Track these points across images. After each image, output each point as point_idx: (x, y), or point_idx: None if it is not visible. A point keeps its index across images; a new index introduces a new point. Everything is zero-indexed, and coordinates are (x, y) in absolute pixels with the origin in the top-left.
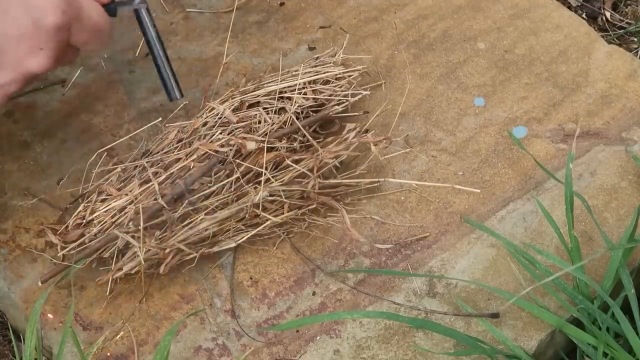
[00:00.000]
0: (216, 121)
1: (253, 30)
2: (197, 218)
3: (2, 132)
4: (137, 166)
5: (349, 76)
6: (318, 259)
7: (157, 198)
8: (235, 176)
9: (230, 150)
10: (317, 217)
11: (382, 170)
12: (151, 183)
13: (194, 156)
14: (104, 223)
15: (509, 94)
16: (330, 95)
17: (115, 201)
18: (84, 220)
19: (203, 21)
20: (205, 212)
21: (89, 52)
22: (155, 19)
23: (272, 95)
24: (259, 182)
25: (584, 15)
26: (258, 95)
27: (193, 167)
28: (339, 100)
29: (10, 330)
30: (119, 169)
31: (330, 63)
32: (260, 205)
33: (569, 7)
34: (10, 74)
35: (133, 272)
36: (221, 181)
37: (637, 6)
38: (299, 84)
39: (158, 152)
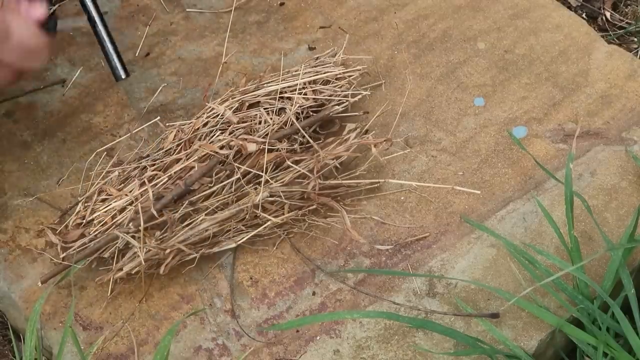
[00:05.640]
0: (217, 121)
1: (253, 30)
2: (197, 218)
3: (2, 132)
4: (137, 166)
5: (349, 76)
6: (318, 259)
7: (155, 200)
8: (235, 177)
9: (231, 151)
10: (317, 218)
11: (382, 171)
12: (151, 184)
13: (195, 157)
14: (104, 223)
15: (509, 94)
16: (331, 96)
17: (116, 201)
18: (84, 220)
19: (203, 21)
20: (206, 212)
21: (27, 70)
22: (155, 19)
23: (272, 95)
24: (260, 183)
25: (584, 15)
26: (258, 96)
27: (193, 167)
28: (339, 100)
29: (10, 330)
30: (119, 169)
31: (331, 63)
32: (261, 206)
33: (569, 7)
34: None
35: (133, 272)
36: (221, 182)
37: (637, 6)
38: (299, 84)
39: (158, 152)
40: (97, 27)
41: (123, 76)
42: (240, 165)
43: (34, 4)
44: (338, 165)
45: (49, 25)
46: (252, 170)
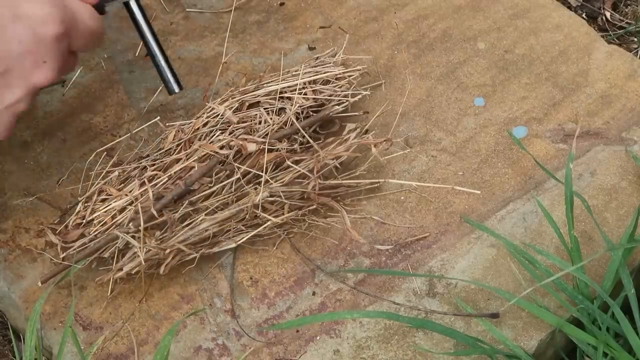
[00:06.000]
0: (217, 121)
1: (253, 30)
2: (197, 218)
3: None
4: (137, 166)
5: (349, 76)
6: (318, 259)
7: (156, 200)
8: (235, 177)
9: (231, 151)
10: (317, 218)
11: (382, 171)
12: (151, 184)
13: (195, 157)
14: (104, 223)
15: (509, 94)
16: (331, 96)
17: (115, 201)
18: (84, 220)
19: (203, 21)
20: (206, 212)
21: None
22: (155, 18)
23: (272, 95)
24: (260, 183)
25: (584, 15)
26: (258, 96)
27: (193, 167)
28: (339, 100)
29: (10, 330)
30: (119, 169)
31: (330, 63)
32: (260, 206)
33: (569, 7)
34: (18, 91)
35: (133, 272)
36: (221, 182)
37: (637, 6)
38: (299, 84)
39: (158, 152)
40: (149, 41)
41: (176, 90)
42: (240, 165)
43: None
44: (338, 165)
45: (98, 7)
46: (252, 170)
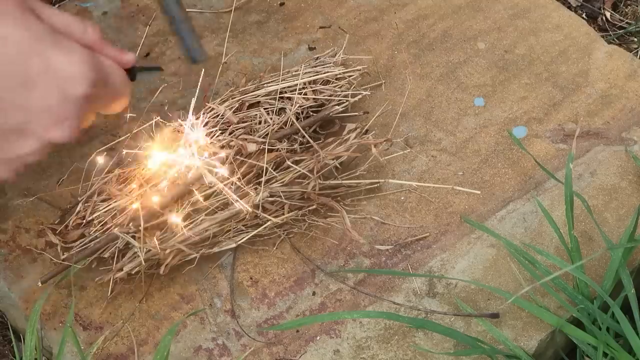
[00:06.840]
0: (217, 121)
1: (253, 30)
2: (197, 218)
3: None
4: (137, 167)
5: (349, 76)
6: (318, 259)
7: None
8: (235, 177)
9: (231, 151)
10: (317, 218)
11: (382, 171)
12: (151, 184)
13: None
14: (104, 223)
15: (509, 94)
16: (331, 96)
17: (116, 201)
18: (84, 220)
19: (203, 21)
20: (206, 212)
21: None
22: (156, 18)
23: (272, 95)
24: (260, 183)
25: (584, 15)
26: (258, 96)
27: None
28: (339, 100)
29: (10, 330)
30: (119, 169)
31: (331, 63)
32: (261, 206)
33: (569, 7)
34: (32, 144)
35: (133, 272)
36: (222, 181)
37: (637, 6)
38: (299, 84)
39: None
40: (172, 6)
41: (201, 58)
42: (240, 164)
43: (122, 50)
44: (338, 165)
45: (131, 74)
46: (252, 169)
